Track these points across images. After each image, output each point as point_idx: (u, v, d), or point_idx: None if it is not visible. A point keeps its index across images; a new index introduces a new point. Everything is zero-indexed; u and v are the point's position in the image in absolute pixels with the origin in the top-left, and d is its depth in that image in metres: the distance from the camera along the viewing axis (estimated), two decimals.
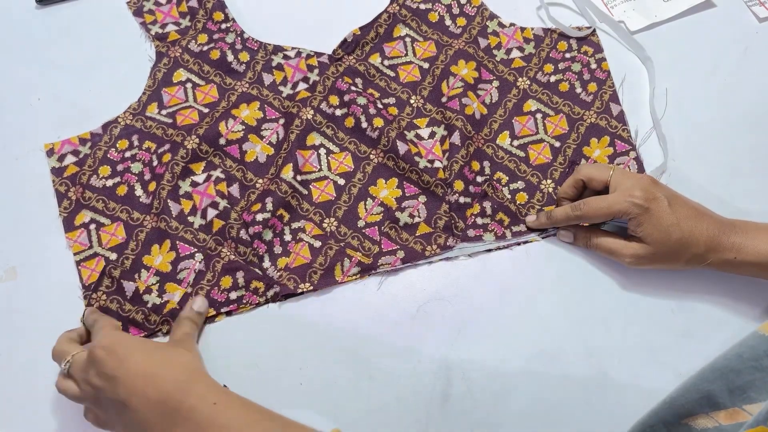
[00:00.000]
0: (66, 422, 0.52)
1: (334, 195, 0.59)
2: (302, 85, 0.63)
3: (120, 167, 0.60)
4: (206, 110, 0.62)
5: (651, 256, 0.52)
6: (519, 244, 0.58)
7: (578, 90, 0.64)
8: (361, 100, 0.62)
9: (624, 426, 0.46)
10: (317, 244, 0.58)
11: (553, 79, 0.65)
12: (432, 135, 0.62)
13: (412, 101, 0.63)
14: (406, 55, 0.65)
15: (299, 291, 0.56)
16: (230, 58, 0.64)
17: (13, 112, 0.64)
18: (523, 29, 0.67)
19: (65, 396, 0.48)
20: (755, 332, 0.37)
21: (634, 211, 0.50)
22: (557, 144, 0.62)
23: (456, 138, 0.60)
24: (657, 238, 0.51)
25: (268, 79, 0.64)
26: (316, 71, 0.64)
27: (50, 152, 0.60)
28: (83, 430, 0.52)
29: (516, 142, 0.62)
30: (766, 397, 0.34)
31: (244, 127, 0.61)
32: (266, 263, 0.57)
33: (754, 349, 0.36)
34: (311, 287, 0.56)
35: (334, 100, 0.63)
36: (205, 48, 0.65)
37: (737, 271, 0.52)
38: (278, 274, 0.56)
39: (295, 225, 0.58)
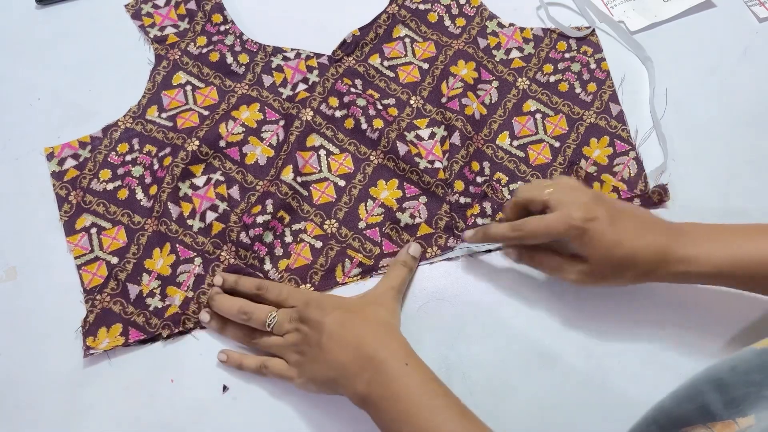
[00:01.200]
0: (66, 422, 0.52)
1: (335, 196, 0.59)
2: (302, 86, 0.63)
3: (121, 171, 0.60)
4: (206, 113, 0.62)
5: (595, 275, 0.49)
6: None
7: (578, 90, 0.64)
8: (361, 102, 0.62)
9: (623, 426, 0.46)
10: (318, 244, 0.58)
11: (552, 79, 0.65)
12: (432, 135, 0.62)
13: (411, 102, 0.63)
14: (406, 55, 0.65)
15: None
16: (229, 60, 0.64)
17: (13, 112, 0.64)
18: (522, 29, 0.67)
19: (265, 348, 0.53)
20: (752, 348, 0.37)
21: (573, 232, 0.48)
22: (557, 144, 0.62)
23: (456, 138, 0.60)
24: (599, 258, 0.48)
25: (267, 80, 0.64)
26: (316, 72, 0.64)
27: (50, 156, 0.60)
28: (83, 430, 0.52)
29: (516, 143, 0.62)
30: (756, 411, 0.34)
31: (244, 129, 0.61)
32: (267, 265, 0.57)
33: (746, 362, 0.36)
34: (312, 288, 0.56)
35: (334, 101, 0.63)
36: (205, 50, 0.65)
37: (691, 282, 0.49)
38: (279, 275, 0.56)
39: (295, 227, 0.58)
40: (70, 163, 0.60)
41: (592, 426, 0.52)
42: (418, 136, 0.62)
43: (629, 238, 0.48)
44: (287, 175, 0.58)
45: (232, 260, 0.57)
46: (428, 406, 0.44)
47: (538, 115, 0.63)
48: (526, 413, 0.52)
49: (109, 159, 0.60)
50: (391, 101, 0.63)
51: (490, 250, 0.58)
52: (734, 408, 0.35)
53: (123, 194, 0.59)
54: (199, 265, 0.56)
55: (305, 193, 0.59)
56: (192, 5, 0.67)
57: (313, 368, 0.49)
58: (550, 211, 0.49)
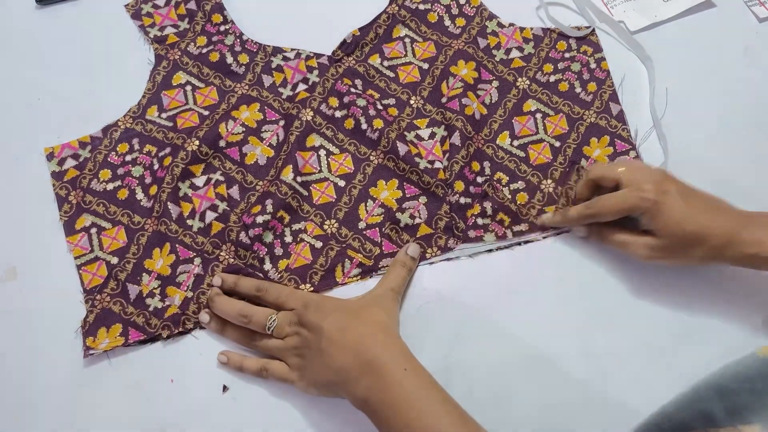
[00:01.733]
0: (66, 422, 0.52)
1: (335, 197, 0.59)
2: (302, 86, 0.63)
3: (120, 171, 0.60)
4: (206, 113, 0.62)
5: (664, 249, 0.51)
6: (520, 243, 0.58)
7: (578, 90, 0.64)
8: (361, 102, 0.62)
9: (623, 427, 0.46)
10: (318, 244, 0.58)
11: (552, 78, 0.65)
12: (432, 135, 0.62)
13: (411, 102, 0.63)
14: (406, 55, 0.65)
15: None
16: (229, 60, 0.64)
17: (13, 112, 0.64)
18: (522, 29, 0.67)
19: (265, 351, 0.53)
20: (753, 353, 0.37)
21: (645, 205, 0.50)
22: (557, 144, 0.62)
23: (456, 138, 0.60)
24: (670, 231, 0.49)
25: (267, 80, 0.64)
26: (316, 72, 0.64)
27: (50, 156, 0.60)
28: (83, 430, 0.52)
29: (516, 142, 0.62)
30: (761, 419, 0.34)
31: (244, 129, 0.61)
32: (267, 265, 0.57)
33: (749, 369, 0.36)
34: (312, 288, 0.56)
35: (334, 101, 0.63)
36: (205, 50, 0.65)
37: (759, 267, 0.50)
38: (279, 275, 0.56)
39: (295, 227, 0.58)
40: (70, 163, 0.60)
41: (592, 426, 0.52)
42: (418, 136, 0.62)
43: (700, 214, 0.49)
44: (287, 175, 0.58)
45: (232, 260, 0.56)
46: (427, 411, 0.44)
47: (539, 115, 0.63)
48: (526, 414, 0.52)
49: (109, 159, 0.60)
50: (391, 101, 0.63)
51: (490, 251, 0.58)
52: (736, 415, 0.35)
53: (123, 194, 0.59)
54: (198, 265, 0.56)
55: (305, 193, 0.59)
56: (192, 5, 0.67)
57: (314, 372, 0.49)
58: (622, 187, 0.51)
